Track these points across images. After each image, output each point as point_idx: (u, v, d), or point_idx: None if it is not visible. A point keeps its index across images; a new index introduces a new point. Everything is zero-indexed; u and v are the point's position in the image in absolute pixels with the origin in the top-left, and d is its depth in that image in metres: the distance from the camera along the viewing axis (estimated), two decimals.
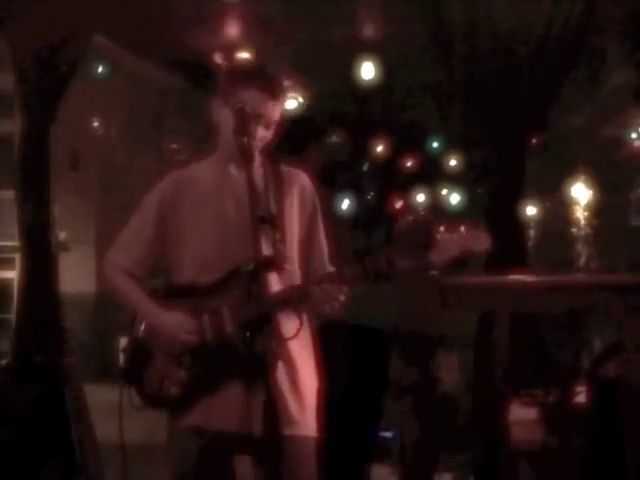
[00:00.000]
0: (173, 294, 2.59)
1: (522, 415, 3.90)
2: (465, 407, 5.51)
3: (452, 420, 5.66)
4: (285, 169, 2.67)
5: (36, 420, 4.85)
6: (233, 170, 2.63)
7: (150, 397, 2.56)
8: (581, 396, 3.94)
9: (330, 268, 2.66)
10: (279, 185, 2.62)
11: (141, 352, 2.58)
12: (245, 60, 2.67)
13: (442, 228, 2.51)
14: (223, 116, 2.59)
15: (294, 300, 2.50)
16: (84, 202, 11.57)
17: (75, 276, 9.80)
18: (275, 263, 2.50)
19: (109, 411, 6.81)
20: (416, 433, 3.15)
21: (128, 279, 2.65)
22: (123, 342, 9.22)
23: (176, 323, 2.51)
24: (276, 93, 2.57)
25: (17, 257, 5.70)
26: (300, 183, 2.68)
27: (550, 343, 5.21)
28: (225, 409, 2.41)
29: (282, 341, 2.48)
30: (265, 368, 2.37)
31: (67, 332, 5.47)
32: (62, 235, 7.18)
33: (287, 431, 2.44)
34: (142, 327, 2.62)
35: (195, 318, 2.50)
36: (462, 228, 2.49)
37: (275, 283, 2.54)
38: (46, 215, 5.39)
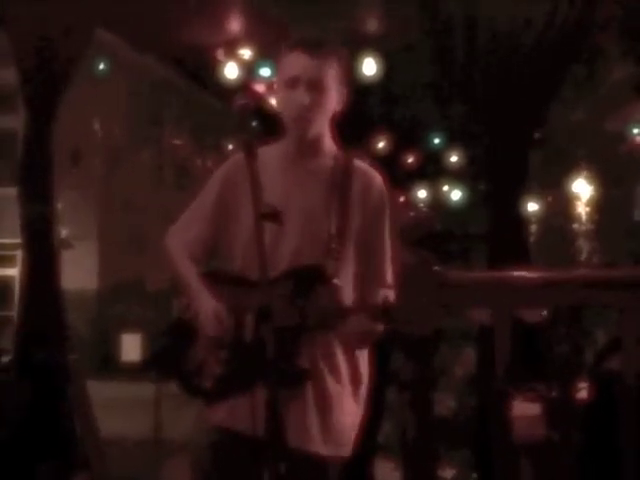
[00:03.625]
0: (223, 282, 2.45)
1: (524, 410, 3.90)
2: (467, 402, 5.52)
3: (455, 415, 5.67)
4: (358, 166, 2.46)
5: (38, 416, 4.85)
6: (295, 160, 2.45)
7: (187, 385, 2.45)
8: (583, 391, 3.94)
9: (389, 290, 2.41)
10: (348, 183, 2.41)
11: (185, 337, 2.45)
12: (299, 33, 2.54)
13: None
14: (279, 99, 2.42)
15: (329, 321, 2.33)
16: (86, 199, 11.55)
17: (78, 273, 9.80)
18: (322, 274, 2.34)
19: (111, 406, 6.82)
20: (418, 428, 3.14)
21: (182, 258, 2.50)
22: (125, 338, 9.21)
23: (211, 312, 2.37)
24: (320, 53, 2.38)
25: (19, 254, 5.68)
26: (370, 183, 2.44)
27: (552, 338, 5.20)
28: (251, 413, 2.27)
29: (315, 358, 2.37)
30: (294, 381, 2.33)
31: (69, 329, 5.47)
32: (64, 232, 7.18)
33: (306, 447, 2.37)
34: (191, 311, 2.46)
35: (238, 316, 2.37)
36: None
37: (321, 296, 2.35)
38: (48, 212, 5.38)
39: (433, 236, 4.74)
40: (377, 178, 2.48)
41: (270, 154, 2.40)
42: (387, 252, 2.50)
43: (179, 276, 2.51)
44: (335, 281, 2.34)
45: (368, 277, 2.45)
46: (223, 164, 2.58)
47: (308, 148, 2.45)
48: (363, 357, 2.50)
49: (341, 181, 2.42)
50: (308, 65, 2.38)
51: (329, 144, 2.49)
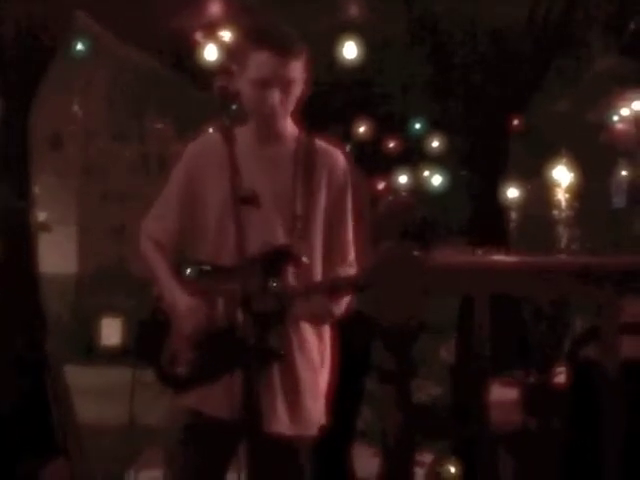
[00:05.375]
0: (196, 272, 2.48)
1: (502, 396, 3.92)
2: (446, 389, 5.54)
3: (435, 402, 5.70)
4: (320, 146, 2.50)
5: (15, 402, 4.83)
6: (259, 145, 2.49)
7: (162, 374, 2.49)
8: (561, 377, 3.96)
9: (349, 270, 2.48)
10: (311, 164, 2.45)
11: (160, 326, 2.49)
12: (255, 20, 2.55)
13: None
14: (240, 86, 2.45)
15: (290, 300, 2.37)
16: (66, 183, 11.48)
17: (57, 257, 9.73)
18: (291, 254, 2.38)
19: (91, 391, 6.82)
20: (397, 416, 3.16)
21: (154, 249, 2.51)
22: (106, 323, 9.24)
23: (187, 310, 2.41)
24: (289, 52, 2.40)
25: None
26: (332, 162, 2.49)
27: (531, 324, 5.24)
28: (222, 396, 2.34)
29: (286, 339, 2.41)
30: (264, 363, 2.34)
31: (48, 314, 5.44)
32: (43, 215, 7.12)
33: (274, 429, 2.42)
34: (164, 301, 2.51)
35: (210, 301, 2.40)
36: None
37: (292, 276, 2.41)
38: (25, 196, 5.34)
39: (418, 225, 4.74)
40: (340, 157, 2.53)
41: (237, 137, 2.41)
42: (349, 230, 2.56)
43: (150, 269, 2.53)
44: (304, 259, 2.36)
45: (331, 255, 2.50)
46: (191, 144, 2.59)
47: (271, 135, 2.49)
48: (328, 336, 2.54)
49: (304, 162, 2.45)
50: (279, 67, 2.42)
51: (291, 127, 2.52)
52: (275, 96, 2.38)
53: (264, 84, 2.38)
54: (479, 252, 2.74)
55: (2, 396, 4.80)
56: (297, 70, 2.41)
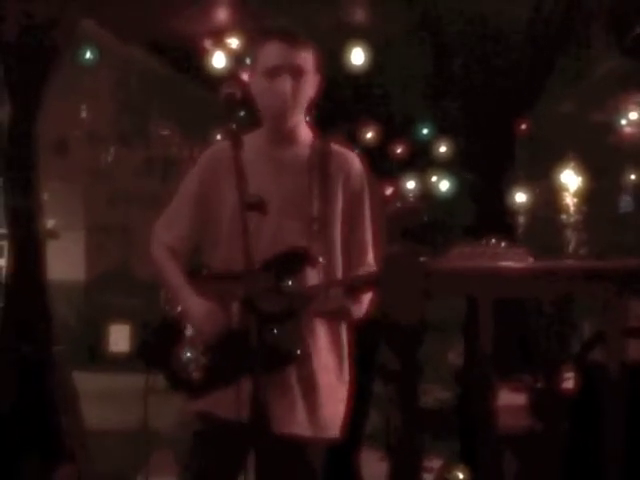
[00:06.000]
0: (207, 275, 2.49)
1: (510, 400, 3.92)
2: (453, 392, 5.53)
3: (442, 406, 5.69)
4: (335, 150, 2.51)
5: (23, 408, 4.84)
6: (273, 149, 2.50)
7: (175, 379, 2.49)
8: (569, 382, 3.95)
9: (369, 268, 2.49)
10: (326, 168, 2.46)
11: (172, 331, 2.50)
12: (266, 21, 2.61)
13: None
14: (253, 87, 2.48)
15: (303, 300, 2.37)
16: (73, 189, 11.51)
17: (65, 263, 9.75)
18: (307, 255, 2.39)
19: (99, 397, 6.83)
20: (403, 418, 3.15)
21: (168, 256, 2.52)
22: (113, 329, 9.24)
23: (204, 313, 2.42)
24: (297, 41, 2.44)
25: (5, 245, 5.65)
26: (348, 166, 2.50)
27: (538, 328, 5.22)
28: (234, 399, 2.32)
29: (304, 341, 2.42)
30: (280, 365, 2.35)
31: (55, 319, 5.45)
32: (51, 222, 7.14)
33: (291, 430, 2.42)
34: (178, 307, 2.52)
35: (225, 305, 2.40)
36: None
37: (310, 278, 2.41)
38: (34, 202, 5.35)
39: (420, 227, 4.75)
40: (355, 160, 2.54)
41: (247, 144, 2.40)
42: (367, 232, 2.57)
43: (165, 279, 2.54)
44: (320, 260, 2.38)
45: (350, 257, 2.51)
46: (204, 152, 2.60)
47: (285, 137, 2.50)
48: (345, 339, 2.53)
49: (319, 166, 2.48)
50: (288, 54, 2.44)
51: (305, 132, 2.53)
52: (286, 84, 2.39)
53: (274, 72, 2.41)
54: (493, 243, 2.71)
55: (10, 401, 4.81)
56: (307, 61, 2.43)
